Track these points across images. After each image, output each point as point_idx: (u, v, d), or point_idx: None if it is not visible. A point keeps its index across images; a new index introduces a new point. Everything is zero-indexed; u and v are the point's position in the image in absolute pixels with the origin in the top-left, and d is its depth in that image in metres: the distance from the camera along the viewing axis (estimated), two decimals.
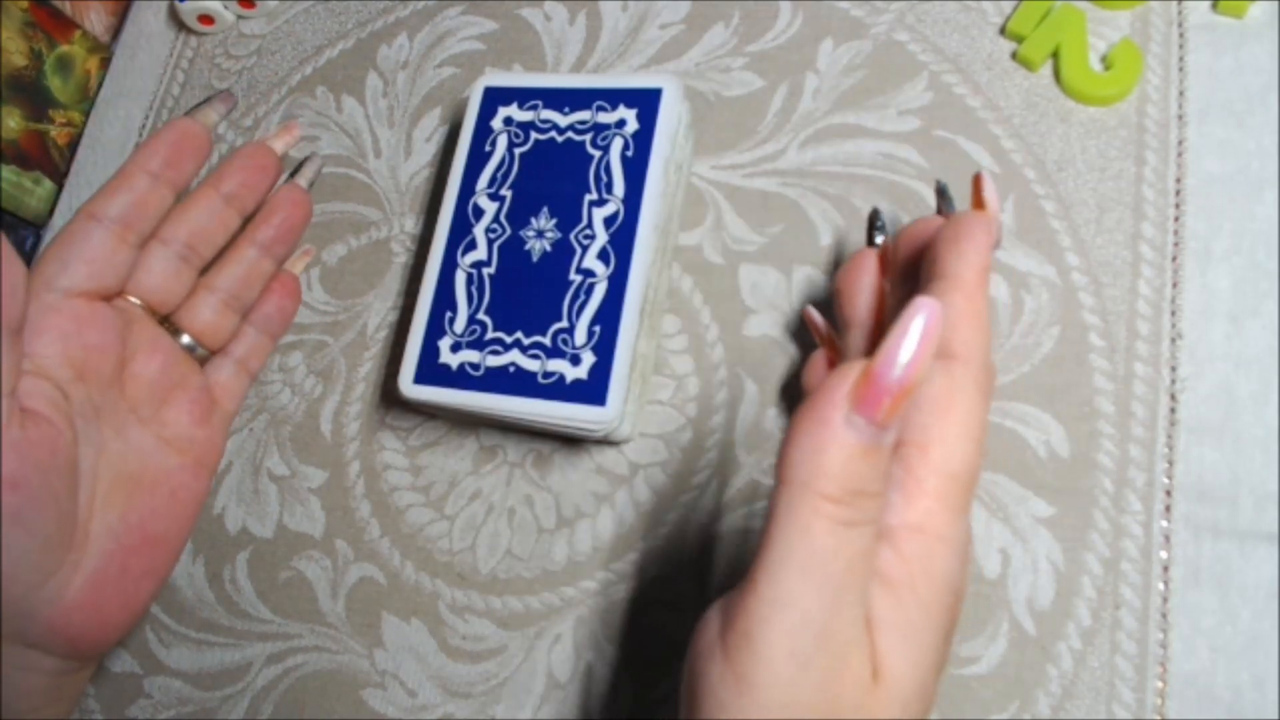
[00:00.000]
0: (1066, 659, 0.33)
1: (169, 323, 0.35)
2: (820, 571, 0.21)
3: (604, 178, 0.37)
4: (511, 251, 0.37)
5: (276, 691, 0.40)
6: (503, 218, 0.38)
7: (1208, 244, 0.35)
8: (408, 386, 0.36)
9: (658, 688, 0.36)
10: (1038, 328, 0.36)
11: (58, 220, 0.50)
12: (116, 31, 0.54)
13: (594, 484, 0.39)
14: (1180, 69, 0.37)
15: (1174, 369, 0.34)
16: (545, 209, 0.37)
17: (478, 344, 0.36)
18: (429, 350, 0.36)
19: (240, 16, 0.51)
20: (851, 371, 0.21)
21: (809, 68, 0.41)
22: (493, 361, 0.36)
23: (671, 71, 0.43)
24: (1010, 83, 0.39)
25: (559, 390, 0.34)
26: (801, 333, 0.38)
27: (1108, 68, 0.38)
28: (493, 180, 0.38)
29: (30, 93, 0.49)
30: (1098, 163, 0.37)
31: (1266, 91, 0.36)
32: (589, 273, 0.36)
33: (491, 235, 0.37)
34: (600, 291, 0.35)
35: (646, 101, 0.37)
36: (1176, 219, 0.36)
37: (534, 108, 0.39)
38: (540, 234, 0.37)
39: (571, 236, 0.36)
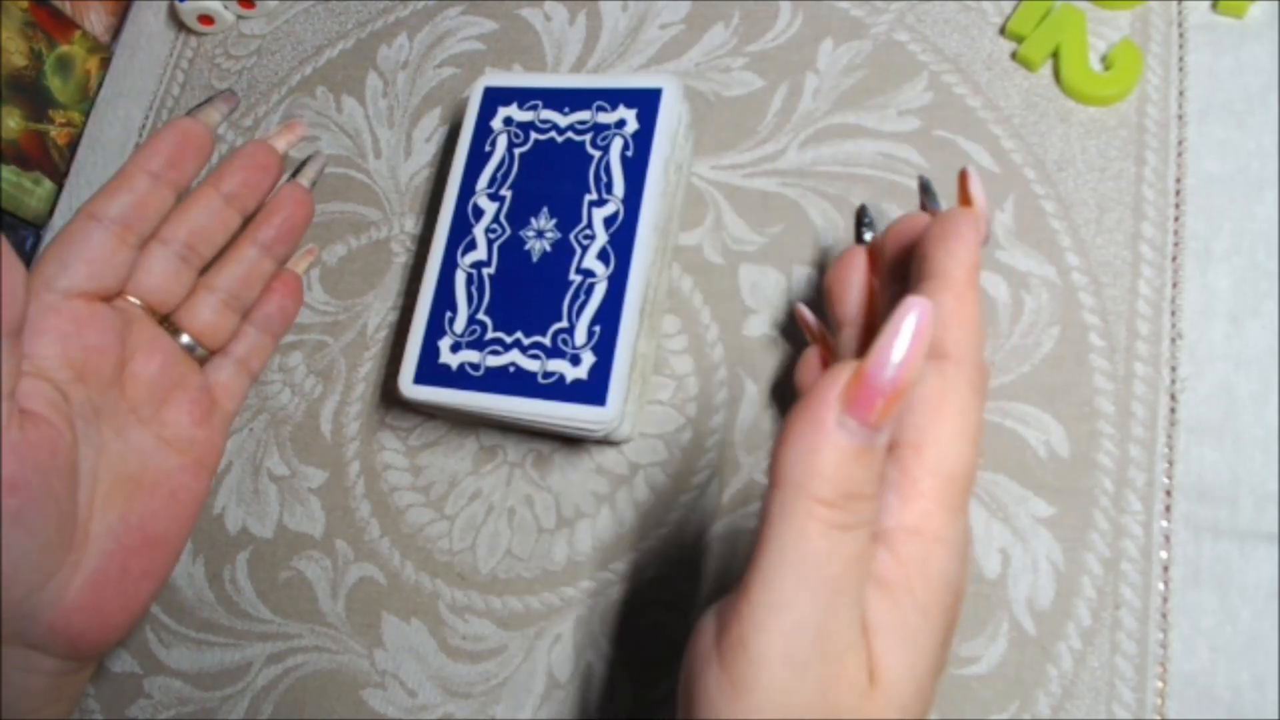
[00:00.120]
0: (1066, 659, 0.33)
1: (168, 323, 0.35)
2: (815, 575, 0.21)
3: (604, 178, 0.37)
4: (511, 251, 0.37)
5: (276, 691, 0.40)
6: (503, 218, 0.38)
7: (1208, 244, 0.35)
8: (408, 386, 0.36)
9: (657, 688, 0.36)
10: (1038, 328, 0.36)
11: (58, 220, 0.50)
12: (116, 31, 0.54)
13: (594, 484, 0.39)
14: (1180, 69, 0.37)
15: (1174, 369, 0.34)
16: (545, 209, 0.37)
17: (478, 344, 0.36)
18: (429, 350, 0.36)
19: (240, 16, 0.51)
20: (843, 373, 0.21)
21: (809, 68, 0.41)
22: (493, 361, 0.36)
23: (671, 71, 0.43)
24: (1010, 83, 0.39)
25: (559, 390, 0.34)
26: (796, 331, 0.38)
27: (1108, 68, 0.38)
28: (493, 180, 0.38)
29: (30, 93, 0.49)
30: (1098, 163, 0.37)
31: (1266, 91, 0.36)
32: (589, 273, 0.36)
33: (491, 235, 0.37)
34: (600, 291, 0.35)
35: (646, 101, 0.37)
36: (1176, 219, 0.36)
37: (534, 108, 0.39)
38: (540, 234, 0.37)
39: (571, 236, 0.36)
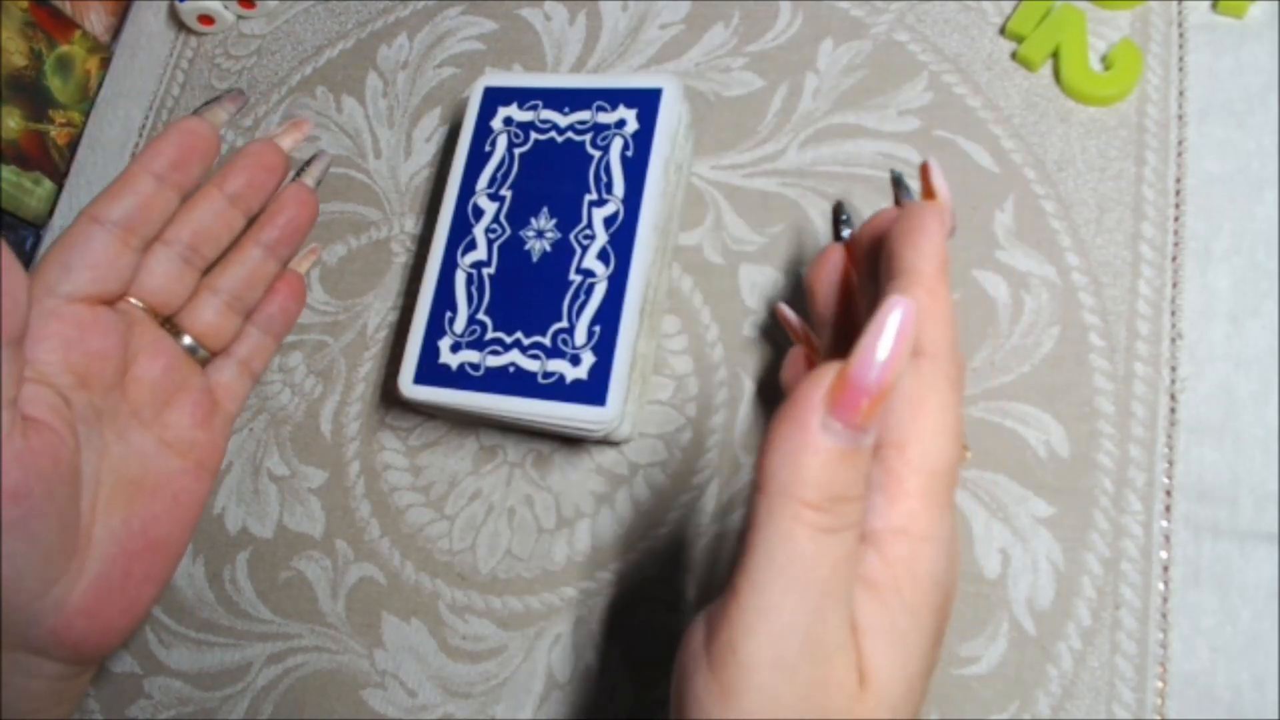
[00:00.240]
0: (1066, 659, 0.33)
1: (170, 324, 0.35)
2: (802, 579, 0.21)
3: (604, 178, 0.37)
4: (511, 251, 0.37)
5: (276, 691, 0.40)
6: (503, 218, 0.38)
7: (1208, 244, 0.35)
8: (408, 386, 0.36)
9: (657, 688, 0.36)
10: (1038, 328, 0.36)
11: (58, 220, 0.50)
12: (116, 31, 0.54)
13: (594, 484, 0.39)
14: (1180, 69, 0.37)
15: (1174, 369, 0.34)
16: (545, 209, 0.37)
17: (478, 344, 0.36)
18: (429, 350, 0.36)
19: (240, 16, 0.51)
20: (826, 375, 0.21)
21: (809, 68, 0.41)
22: (493, 361, 0.36)
23: (671, 71, 0.43)
24: (1010, 83, 0.39)
25: (559, 390, 0.34)
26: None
27: (1108, 68, 0.38)
28: (493, 180, 0.38)
29: (30, 93, 0.49)
30: (1098, 163, 0.37)
31: (1266, 91, 0.36)
32: (589, 273, 0.36)
33: (491, 235, 0.37)
34: (600, 291, 0.35)
35: (646, 101, 0.37)
36: (1176, 219, 0.36)
37: (534, 108, 0.39)
38: (540, 234, 0.37)
39: (571, 236, 0.36)
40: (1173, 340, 0.35)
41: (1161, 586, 0.33)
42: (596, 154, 0.37)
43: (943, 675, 0.33)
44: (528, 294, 0.36)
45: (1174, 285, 0.35)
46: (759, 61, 0.42)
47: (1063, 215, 0.37)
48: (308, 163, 0.38)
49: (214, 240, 0.35)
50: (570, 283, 0.36)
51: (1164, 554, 0.33)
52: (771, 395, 0.38)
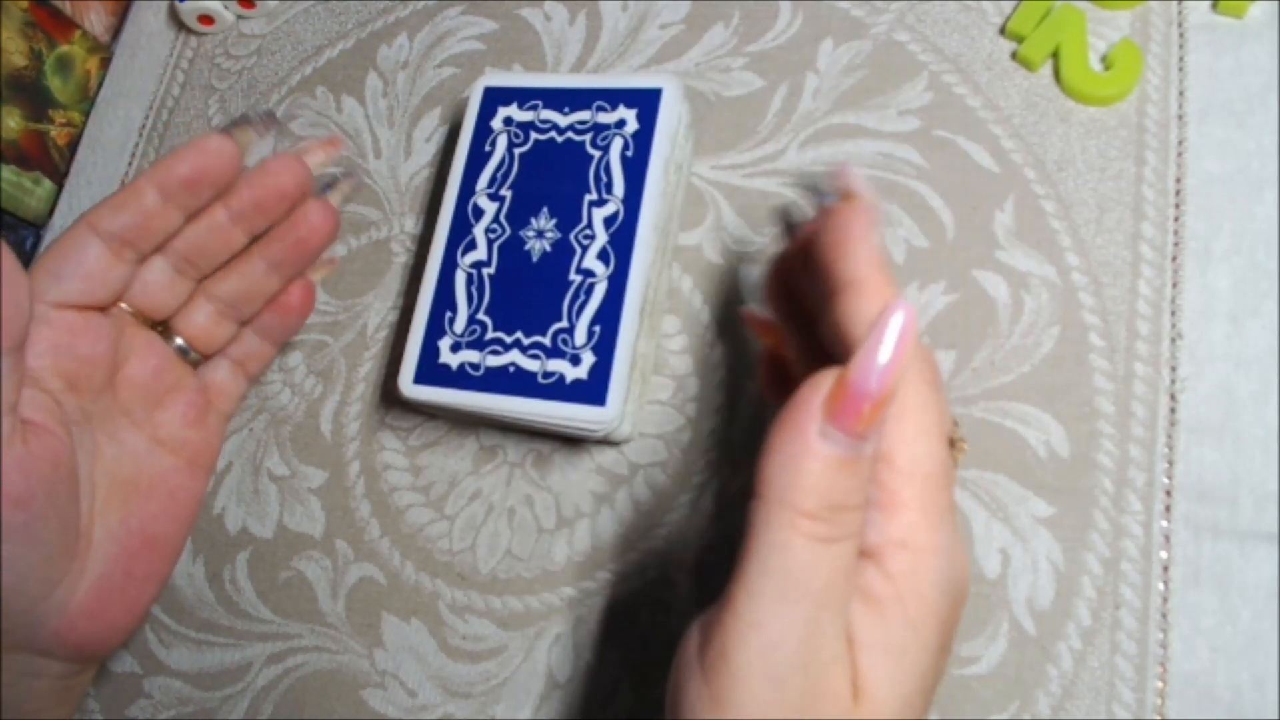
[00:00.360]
0: (1066, 659, 0.33)
1: (162, 326, 0.34)
2: (797, 590, 0.20)
3: (604, 178, 0.37)
4: (511, 251, 0.37)
5: (276, 691, 0.40)
6: (503, 218, 0.38)
7: (1208, 244, 0.35)
8: (408, 386, 0.36)
9: (657, 688, 0.36)
10: (1038, 328, 0.36)
11: (57, 220, 0.50)
12: (116, 31, 0.54)
13: (594, 484, 0.39)
14: (1180, 69, 0.37)
15: (1174, 369, 0.34)
16: (545, 209, 0.37)
17: (478, 344, 0.36)
18: (429, 350, 0.36)
19: (240, 16, 0.51)
20: (825, 380, 0.21)
21: (809, 68, 0.41)
22: (493, 361, 0.36)
23: (671, 71, 0.43)
24: (1010, 83, 0.39)
25: (559, 390, 0.34)
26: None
27: (1108, 68, 0.38)
28: (493, 180, 0.38)
29: (30, 93, 0.49)
30: (1098, 163, 0.37)
31: (1266, 91, 0.36)
32: (589, 273, 0.36)
33: (491, 235, 0.37)
34: (600, 291, 0.35)
35: (646, 101, 0.37)
36: (1176, 219, 0.36)
37: (534, 108, 0.39)
38: (540, 234, 0.37)
39: (571, 236, 0.36)
40: (1173, 340, 0.35)
41: (1161, 586, 0.33)
42: (596, 154, 0.37)
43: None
44: (528, 294, 0.36)
45: (1174, 285, 0.35)
46: (759, 61, 0.42)
47: (1063, 215, 0.37)
48: (335, 179, 0.37)
49: (210, 256, 0.34)
50: (570, 283, 0.36)
51: (1164, 554, 0.33)
52: None
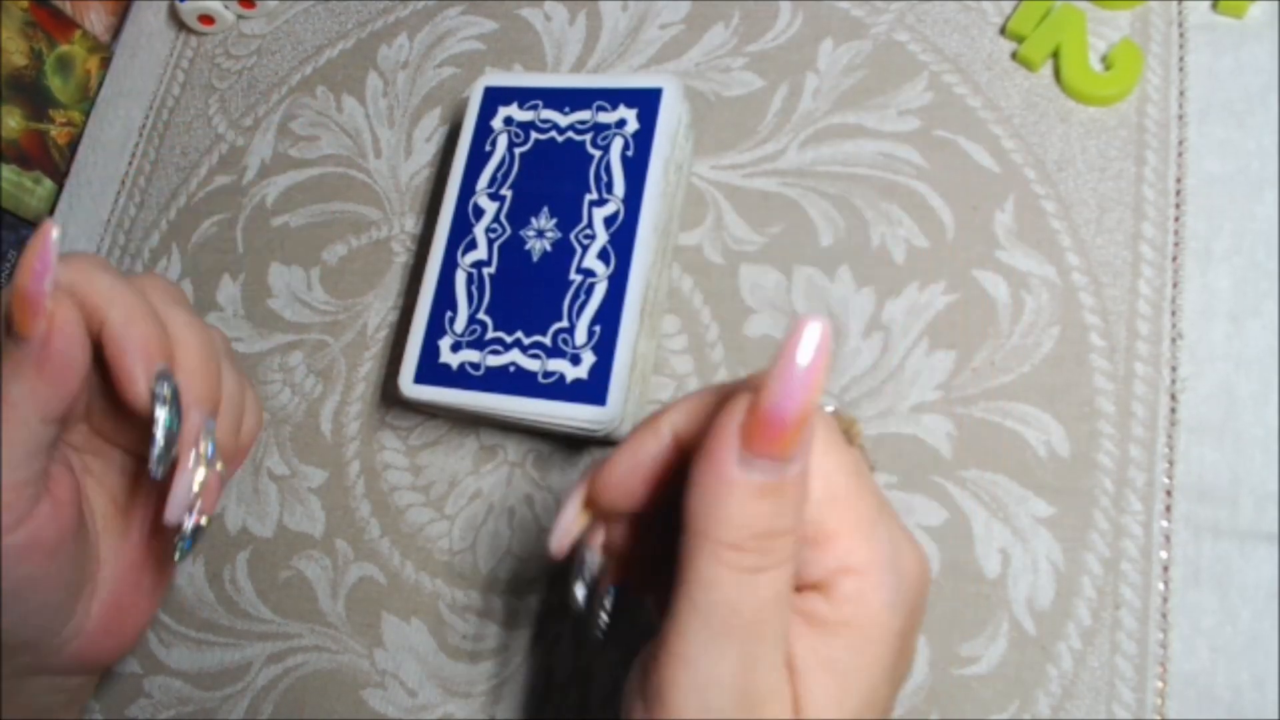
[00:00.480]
0: (1066, 659, 0.33)
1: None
2: (725, 625, 0.20)
3: (604, 178, 0.37)
4: (512, 251, 0.37)
5: (276, 691, 0.40)
6: (503, 217, 0.38)
7: (1208, 244, 0.35)
8: (408, 386, 0.36)
9: None
10: (1038, 328, 0.36)
11: (57, 220, 0.50)
12: (116, 31, 0.54)
13: None
14: (1180, 69, 0.37)
15: (1174, 369, 0.34)
16: (545, 209, 0.37)
17: (478, 344, 0.36)
18: (429, 350, 0.36)
19: (240, 16, 0.51)
20: (739, 407, 0.20)
21: (809, 68, 0.41)
22: (493, 361, 0.36)
23: (671, 71, 0.43)
24: (1010, 83, 0.39)
25: (559, 390, 0.34)
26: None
27: (1108, 68, 0.38)
28: (493, 180, 0.38)
29: (30, 93, 0.49)
30: (1098, 163, 0.37)
31: (1266, 91, 0.36)
32: (589, 272, 0.36)
33: (492, 235, 0.37)
34: (600, 291, 0.35)
35: (646, 101, 0.37)
36: (1176, 219, 0.36)
37: (534, 108, 0.39)
38: (540, 234, 0.37)
39: (571, 236, 0.36)
40: (1173, 340, 0.35)
41: (1161, 586, 0.33)
42: (597, 154, 0.37)
43: (943, 675, 0.33)
44: (528, 293, 0.36)
45: (1174, 285, 0.35)
46: (759, 61, 0.42)
47: (1063, 215, 0.37)
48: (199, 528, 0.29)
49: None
50: (570, 282, 0.36)
51: (1164, 554, 0.33)
52: None
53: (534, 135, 0.38)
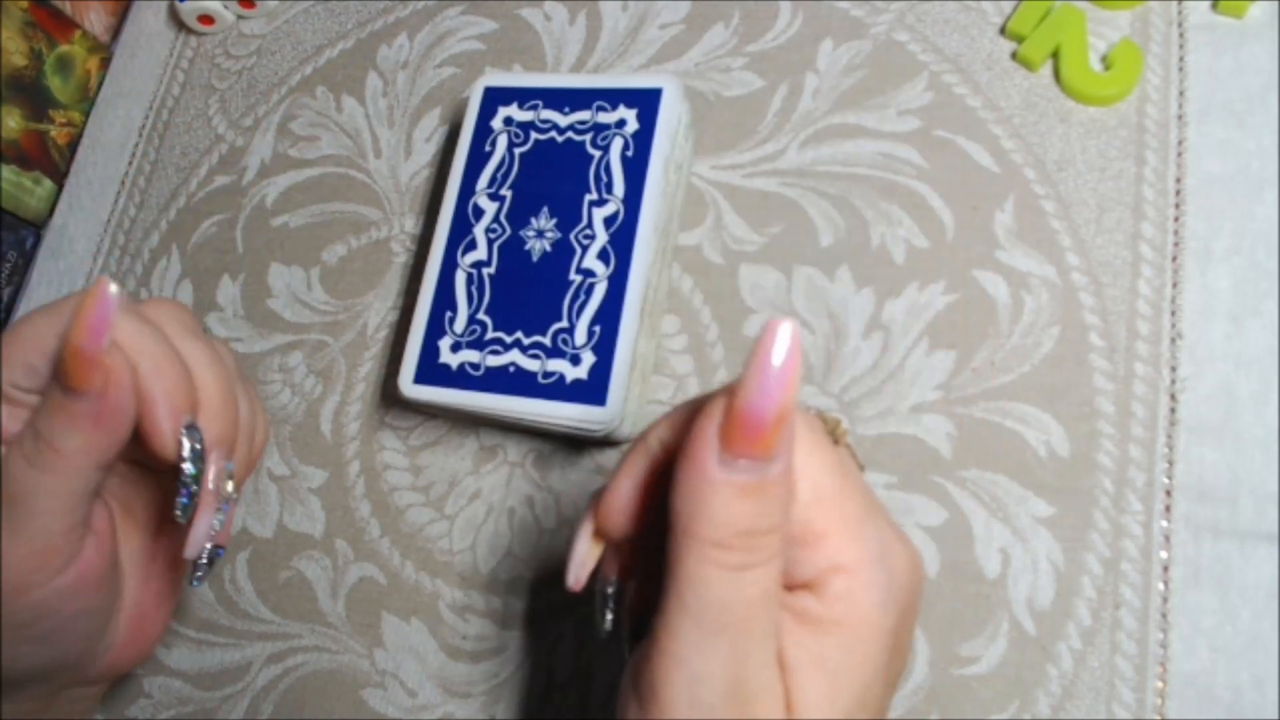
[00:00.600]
0: (1066, 659, 0.33)
1: None
2: (714, 623, 0.20)
3: (604, 178, 0.37)
4: (511, 251, 0.37)
5: (276, 691, 0.40)
6: (503, 218, 0.38)
7: (1208, 244, 0.35)
8: (408, 386, 0.36)
9: None
10: (1038, 328, 0.36)
11: (57, 220, 0.50)
12: (116, 31, 0.54)
13: (594, 484, 0.39)
14: (1180, 69, 0.37)
15: (1174, 369, 0.34)
16: (545, 209, 0.37)
17: (478, 344, 0.36)
18: (429, 350, 0.36)
19: (240, 16, 0.51)
20: (718, 408, 0.20)
21: (809, 68, 0.41)
22: (493, 361, 0.36)
23: (671, 71, 0.43)
24: (1010, 83, 0.39)
25: (559, 390, 0.34)
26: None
27: (1108, 68, 0.38)
28: (493, 180, 0.38)
29: (30, 93, 0.49)
30: (1098, 163, 0.37)
31: (1266, 91, 0.36)
32: (589, 273, 0.36)
33: (491, 235, 0.37)
34: (600, 291, 0.35)
35: (646, 101, 0.37)
36: (1176, 219, 0.36)
37: (534, 108, 0.39)
38: (540, 234, 0.37)
39: (571, 236, 0.36)
40: (1173, 340, 0.35)
41: (1161, 586, 0.33)
42: (596, 154, 0.37)
43: (943, 675, 0.33)
44: (528, 294, 0.36)
45: (1174, 285, 0.35)
46: (759, 61, 0.42)
47: (1063, 215, 0.37)
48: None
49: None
50: (570, 282, 0.36)
51: (1164, 554, 0.33)
52: None
53: (534, 135, 0.38)
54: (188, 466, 0.27)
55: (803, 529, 0.22)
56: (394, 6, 0.48)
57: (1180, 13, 0.38)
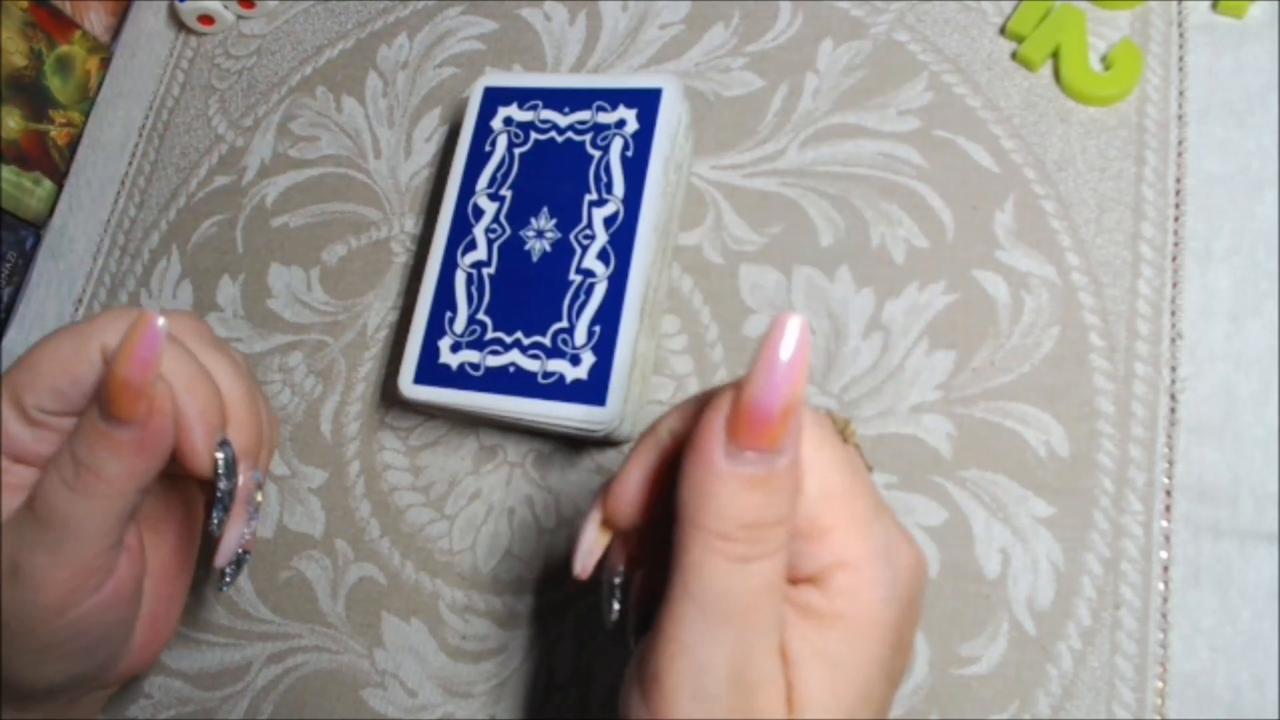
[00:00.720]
0: (1066, 659, 0.33)
1: None
2: (719, 613, 0.20)
3: (604, 178, 0.37)
4: (511, 251, 0.37)
5: (276, 691, 0.40)
6: (503, 218, 0.38)
7: (1208, 244, 0.35)
8: (408, 386, 0.36)
9: None
10: (1038, 328, 0.36)
11: (57, 220, 0.50)
12: (116, 31, 0.54)
13: (594, 484, 0.39)
14: (1180, 69, 0.37)
15: (1174, 369, 0.34)
16: (545, 209, 0.37)
17: (478, 344, 0.36)
18: (429, 350, 0.36)
19: (240, 16, 0.51)
20: (726, 400, 0.20)
21: (809, 68, 0.41)
22: (493, 361, 0.36)
23: (671, 71, 0.43)
24: (1010, 83, 0.39)
25: (559, 390, 0.34)
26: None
27: (1108, 68, 0.38)
28: (493, 180, 0.38)
29: (30, 93, 0.49)
30: (1098, 163, 0.37)
31: (1266, 91, 0.36)
32: (589, 273, 0.36)
33: (491, 235, 0.37)
34: (600, 291, 0.35)
35: (646, 101, 0.37)
36: (1176, 219, 0.36)
37: (534, 108, 0.39)
38: (540, 234, 0.37)
39: (571, 236, 0.36)
40: (1173, 340, 0.35)
41: (1161, 586, 0.33)
42: (596, 154, 0.37)
43: (943, 675, 0.33)
44: (528, 294, 0.36)
45: (1174, 285, 0.35)
46: (759, 61, 0.42)
47: (1063, 215, 0.37)
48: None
49: None
50: (570, 283, 0.36)
51: (1164, 554, 0.33)
52: None
53: (534, 135, 0.38)
54: (223, 482, 0.28)
55: (809, 523, 0.22)
56: (394, 6, 0.48)
57: (1180, 13, 0.38)
